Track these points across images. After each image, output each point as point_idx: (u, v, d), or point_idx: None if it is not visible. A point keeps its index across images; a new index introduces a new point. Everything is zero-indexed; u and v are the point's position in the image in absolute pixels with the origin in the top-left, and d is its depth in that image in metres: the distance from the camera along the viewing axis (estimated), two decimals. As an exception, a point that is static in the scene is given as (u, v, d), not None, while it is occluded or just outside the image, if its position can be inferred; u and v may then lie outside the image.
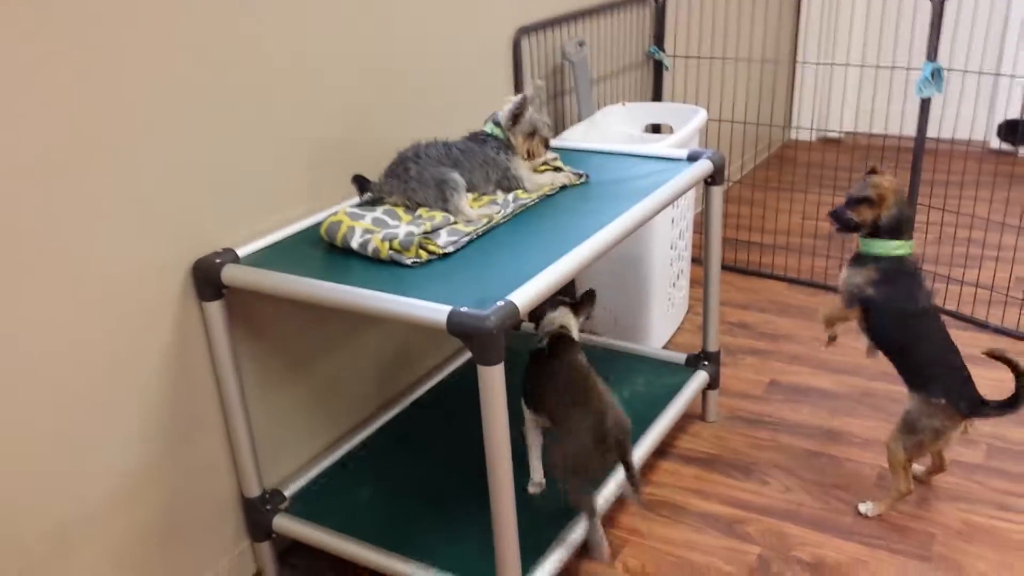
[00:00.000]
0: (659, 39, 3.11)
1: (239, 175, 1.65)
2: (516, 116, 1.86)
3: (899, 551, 1.84)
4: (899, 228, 1.86)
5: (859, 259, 1.91)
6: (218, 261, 1.56)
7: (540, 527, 1.69)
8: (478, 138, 1.85)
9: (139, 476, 1.57)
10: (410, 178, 1.72)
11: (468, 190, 1.76)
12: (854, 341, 2.24)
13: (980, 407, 1.82)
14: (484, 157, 1.82)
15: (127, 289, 1.48)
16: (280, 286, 1.51)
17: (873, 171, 1.90)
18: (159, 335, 1.56)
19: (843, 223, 1.90)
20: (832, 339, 2.12)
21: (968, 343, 2.60)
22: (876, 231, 1.87)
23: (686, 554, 1.87)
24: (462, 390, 2.21)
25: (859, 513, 1.96)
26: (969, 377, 1.84)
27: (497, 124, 1.88)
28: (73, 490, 1.46)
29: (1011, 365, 1.78)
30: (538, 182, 1.87)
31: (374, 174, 1.85)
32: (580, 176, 1.93)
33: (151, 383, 1.56)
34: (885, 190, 1.84)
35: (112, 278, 1.46)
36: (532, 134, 1.88)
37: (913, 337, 1.89)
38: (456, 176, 1.73)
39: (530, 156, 1.89)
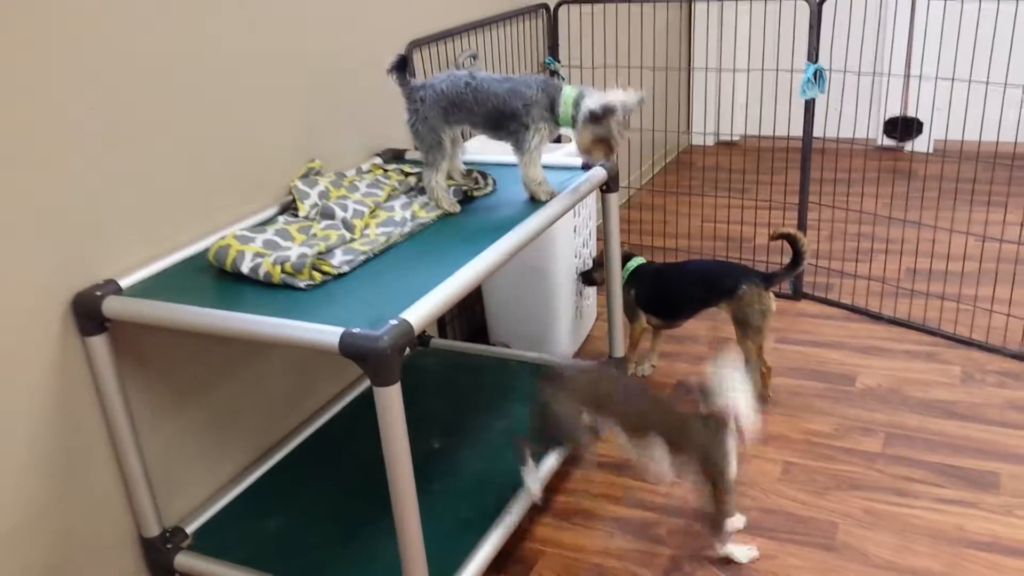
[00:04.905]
0: (553, 49, 3.13)
1: (121, 201, 1.59)
2: (599, 116, 1.71)
3: (804, 542, 1.88)
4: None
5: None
6: (99, 294, 1.50)
7: (450, 546, 1.67)
8: (532, 96, 1.76)
9: (24, 515, 1.48)
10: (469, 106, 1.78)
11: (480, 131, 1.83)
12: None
13: (773, 277, 2.29)
14: (513, 110, 1.77)
15: (1, 324, 1.41)
16: (165, 317, 1.46)
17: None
18: (39, 371, 1.48)
19: (588, 282, 2.61)
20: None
21: (863, 335, 2.72)
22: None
23: (601, 560, 1.87)
24: (366, 414, 2.16)
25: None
26: (746, 267, 2.34)
27: (577, 103, 1.75)
28: (-51, 544, 1.37)
29: (786, 237, 2.25)
30: (537, 168, 1.83)
31: (268, 193, 1.80)
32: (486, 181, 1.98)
33: (33, 419, 1.48)
34: None
35: (-17, 317, 1.38)
36: (603, 140, 1.75)
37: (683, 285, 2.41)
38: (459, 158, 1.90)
39: (584, 152, 1.79)
